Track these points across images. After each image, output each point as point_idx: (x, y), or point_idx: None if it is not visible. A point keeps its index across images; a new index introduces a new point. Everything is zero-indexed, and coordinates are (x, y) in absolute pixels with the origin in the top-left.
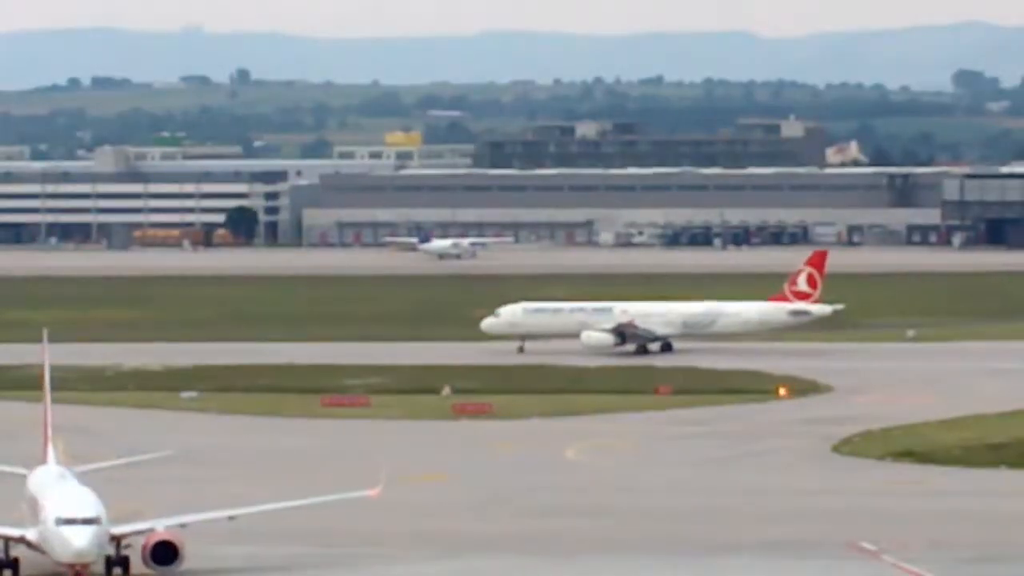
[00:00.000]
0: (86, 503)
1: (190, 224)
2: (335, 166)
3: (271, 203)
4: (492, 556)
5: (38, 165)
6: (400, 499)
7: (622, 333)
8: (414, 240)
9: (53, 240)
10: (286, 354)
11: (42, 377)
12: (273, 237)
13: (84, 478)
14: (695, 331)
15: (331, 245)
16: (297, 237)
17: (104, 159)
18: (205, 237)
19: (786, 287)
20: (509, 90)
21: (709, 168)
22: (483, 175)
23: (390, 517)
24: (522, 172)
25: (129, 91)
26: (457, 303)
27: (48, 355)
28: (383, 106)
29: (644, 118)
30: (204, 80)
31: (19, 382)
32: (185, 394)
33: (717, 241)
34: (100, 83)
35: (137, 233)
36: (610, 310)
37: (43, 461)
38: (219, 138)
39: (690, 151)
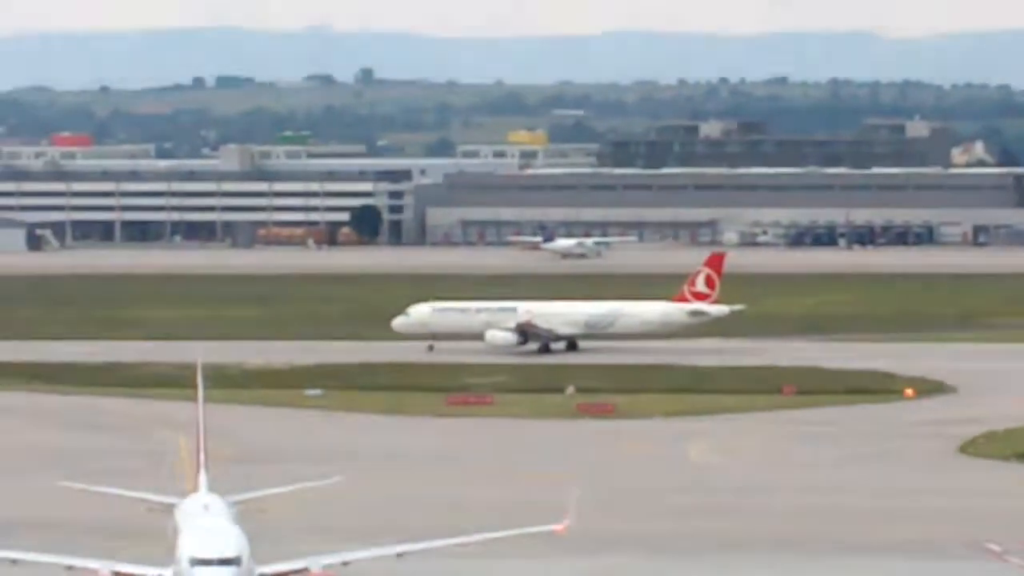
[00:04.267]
0: (225, 541)
1: (314, 223)
2: (459, 165)
3: (395, 202)
4: (615, 555)
5: (163, 164)
6: (524, 498)
7: (524, 332)
8: (538, 239)
9: (178, 238)
10: (409, 352)
11: (196, 396)
12: (397, 236)
13: (237, 509)
14: (596, 331)
15: (455, 244)
16: (421, 236)
17: (229, 158)
18: (329, 236)
19: (685, 288)
20: (633, 90)
21: (834, 168)
22: (607, 174)
23: (514, 516)
24: (646, 171)
25: (253, 90)
26: None
27: (202, 383)
28: (507, 105)
29: (769, 118)
30: (328, 79)
31: (144, 380)
32: (310, 392)
33: (842, 241)
34: (224, 82)
35: (261, 232)
36: (514, 310)
37: (194, 489)
38: (343, 137)
39: (815, 151)
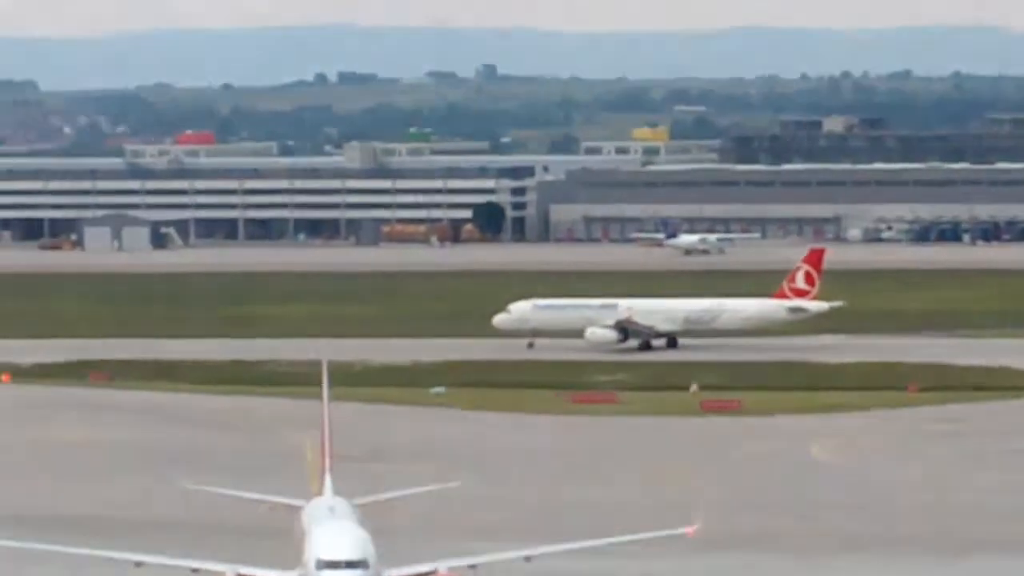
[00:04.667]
0: (351, 543)
1: (437, 220)
2: (582, 161)
3: (518, 199)
4: (739, 554)
5: (286, 161)
6: (652, 497)
7: (624, 329)
8: (661, 236)
9: (301, 236)
10: (532, 349)
11: (321, 399)
12: (520, 232)
13: (361, 511)
14: (697, 327)
15: (578, 240)
16: (544, 232)
17: (351, 155)
18: (452, 233)
19: (785, 285)
20: (755, 85)
21: (957, 163)
22: (730, 170)
23: (643, 515)
24: (769, 167)
25: (376, 87)
26: None
27: (327, 385)
28: (629, 101)
29: (892, 112)
30: (451, 75)
31: (269, 378)
32: (434, 389)
33: (966, 237)
34: (347, 79)
35: (385, 229)
36: (615, 306)
37: (319, 492)
38: (465, 133)
39: (938, 146)
